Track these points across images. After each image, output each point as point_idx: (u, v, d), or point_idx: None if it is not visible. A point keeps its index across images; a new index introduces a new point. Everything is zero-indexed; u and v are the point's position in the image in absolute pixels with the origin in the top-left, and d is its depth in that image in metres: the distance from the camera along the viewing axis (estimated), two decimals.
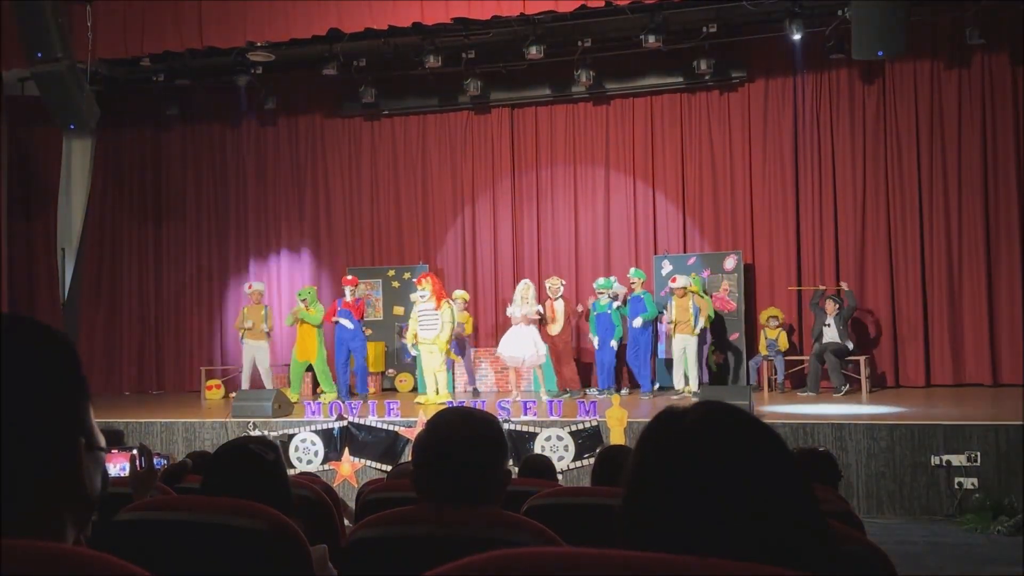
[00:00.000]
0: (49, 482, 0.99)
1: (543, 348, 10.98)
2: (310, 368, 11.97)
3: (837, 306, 11.05)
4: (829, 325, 10.99)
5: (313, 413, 9.69)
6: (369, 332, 13.34)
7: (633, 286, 11.41)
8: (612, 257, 12.98)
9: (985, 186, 11.52)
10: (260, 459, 2.52)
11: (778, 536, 0.95)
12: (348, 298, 11.71)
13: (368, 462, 9.33)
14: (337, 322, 11.61)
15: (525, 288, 11.09)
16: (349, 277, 12.04)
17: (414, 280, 11.60)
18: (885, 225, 11.94)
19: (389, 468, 8.32)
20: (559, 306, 11.56)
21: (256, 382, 12.08)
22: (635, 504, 1.01)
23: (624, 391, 11.57)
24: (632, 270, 11.65)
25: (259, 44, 11.66)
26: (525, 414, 9.11)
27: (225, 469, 2.51)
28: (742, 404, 8.70)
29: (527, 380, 11.51)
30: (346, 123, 13.98)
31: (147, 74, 12.90)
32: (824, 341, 10.95)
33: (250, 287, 12.41)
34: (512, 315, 11.00)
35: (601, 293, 11.43)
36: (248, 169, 14.31)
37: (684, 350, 10.98)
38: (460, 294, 12.24)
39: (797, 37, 11.28)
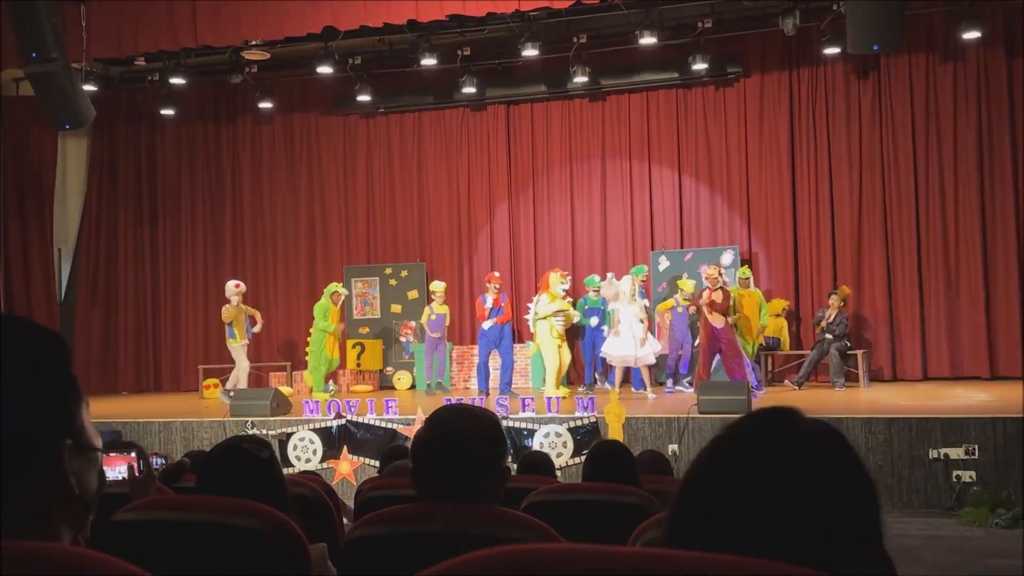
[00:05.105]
0: (33, 481, 0.97)
1: (656, 345, 10.68)
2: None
3: (840, 302, 11.04)
4: (831, 322, 10.97)
5: (311, 412, 9.67)
6: (366, 330, 13.34)
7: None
8: (609, 253, 12.97)
9: (981, 178, 11.52)
10: (253, 458, 2.51)
11: (845, 553, 0.94)
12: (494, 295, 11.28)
13: (367, 460, 9.32)
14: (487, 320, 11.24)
15: (632, 285, 10.69)
16: (496, 275, 11.68)
17: (563, 274, 11.00)
18: (881, 218, 11.94)
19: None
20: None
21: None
22: (707, 496, 0.97)
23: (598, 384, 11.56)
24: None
25: (254, 42, 11.64)
26: (523, 411, 9.10)
27: (219, 469, 2.51)
28: (741, 399, 8.52)
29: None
30: (342, 121, 13.95)
31: (142, 73, 12.88)
32: (827, 338, 10.94)
33: (237, 286, 12.11)
34: (618, 311, 10.63)
35: (592, 290, 11.47)
36: (244, 168, 14.28)
37: None
38: (438, 286, 12.03)
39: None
